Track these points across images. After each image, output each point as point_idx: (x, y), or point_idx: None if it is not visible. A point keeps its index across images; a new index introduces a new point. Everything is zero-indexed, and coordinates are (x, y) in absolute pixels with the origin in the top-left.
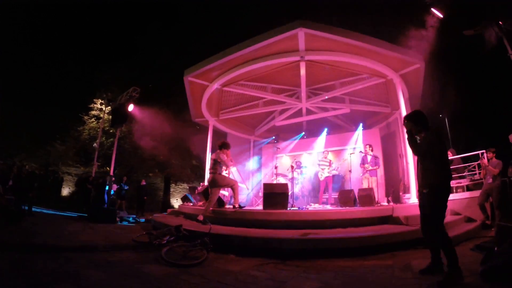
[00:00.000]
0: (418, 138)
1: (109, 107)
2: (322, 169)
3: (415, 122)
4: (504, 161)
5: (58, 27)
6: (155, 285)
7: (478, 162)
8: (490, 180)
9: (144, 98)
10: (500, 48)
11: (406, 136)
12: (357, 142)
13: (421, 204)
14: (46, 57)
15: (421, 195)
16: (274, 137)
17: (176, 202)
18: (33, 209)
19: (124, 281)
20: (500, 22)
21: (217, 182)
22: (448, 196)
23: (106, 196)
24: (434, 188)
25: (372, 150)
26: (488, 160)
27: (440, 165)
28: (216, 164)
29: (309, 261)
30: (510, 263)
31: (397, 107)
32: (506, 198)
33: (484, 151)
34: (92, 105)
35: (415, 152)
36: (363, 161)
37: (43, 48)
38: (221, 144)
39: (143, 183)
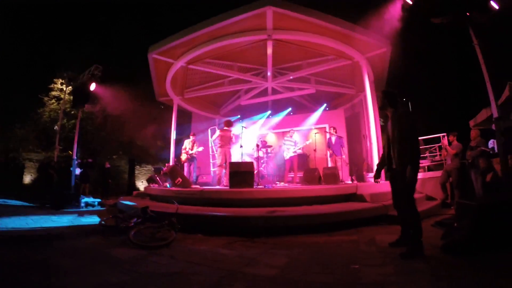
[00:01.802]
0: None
1: (70, 87)
2: (288, 148)
3: (388, 97)
4: (465, 145)
5: (13, 4)
6: (125, 268)
7: (439, 144)
8: (449, 161)
9: (106, 77)
10: (465, 37)
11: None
12: (322, 122)
13: (394, 181)
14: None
15: (394, 172)
16: (239, 116)
17: (141, 184)
18: None
19: (93, 266)
20: (467, 13)
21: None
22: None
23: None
24: (410, 167)
25: (336, 132)
26: (450, 143)
27: (414, 145)
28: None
29: (277, 238)
30: (469, 237)
31: (362, 89)
32: (465, 178)
33: (445, 134)
34: (52, 86)
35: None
36: (329, 143)
37: None
38: (228, 122)
39: (107, 165)
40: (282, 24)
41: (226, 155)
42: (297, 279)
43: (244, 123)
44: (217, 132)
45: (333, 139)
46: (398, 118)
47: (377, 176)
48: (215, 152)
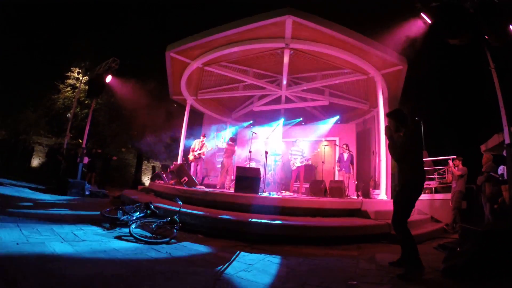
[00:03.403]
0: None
1: (86, 77)
2: (295, 158)
3: (396, 119)
4: (476, 169)
5: None
6: (122, 261)
7: (447, 167)
8: (455, 185)
9: (122, 71)
10: (482, 59)
11: (387, 141)
12: (333, 134)
13: (394, 201)
14: (20, 23)
15: (395, 192)
16: (251, 122)
17: (147, 180)
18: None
19: (90, 256)
20: (486, 37)
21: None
22: (416, 197)
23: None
24: (404, 188)
25: (348, 149)
26: (455, 167)
27: (413, 167)
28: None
29: (277, 246)
30: (471, 263)
31: (375, 105)
32: (475, 203)
33: (455, 156)
34: (68, 74)
35: (394, 155)
36: (340, 159)
37: (18, 13)
38: (232, 139)
39: (114, 158)
40: (300, 34)
41: (229, 165)
42: None
43: (255, 129)
44: (224, 145)
45: (345, 155)
46: (400, 140)
47: None
48: (221, 160)
